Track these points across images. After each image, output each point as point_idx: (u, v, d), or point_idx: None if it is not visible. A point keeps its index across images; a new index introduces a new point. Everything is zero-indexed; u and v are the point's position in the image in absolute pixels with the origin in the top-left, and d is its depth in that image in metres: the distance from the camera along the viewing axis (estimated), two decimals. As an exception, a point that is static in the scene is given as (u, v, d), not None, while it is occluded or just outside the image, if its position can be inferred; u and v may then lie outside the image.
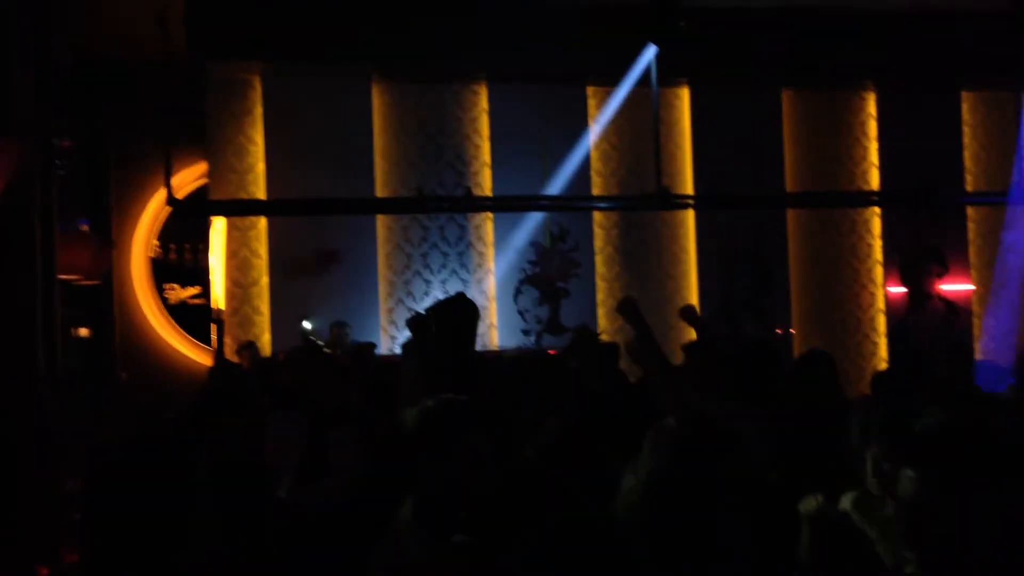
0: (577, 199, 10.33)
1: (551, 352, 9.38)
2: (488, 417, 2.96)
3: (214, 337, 10.05)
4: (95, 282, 10.02)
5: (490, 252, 10.37)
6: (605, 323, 10.50)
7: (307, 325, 9.32)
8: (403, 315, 10.09)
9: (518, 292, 10.43)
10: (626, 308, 4.66)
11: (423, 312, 4.93)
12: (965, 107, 11.29)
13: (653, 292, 10.61)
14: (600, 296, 10.62)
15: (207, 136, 9.80)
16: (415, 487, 2.81)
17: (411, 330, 4.79)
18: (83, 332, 10.38)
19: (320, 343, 8.62)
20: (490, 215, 10.34)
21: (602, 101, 10.28)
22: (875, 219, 11.10)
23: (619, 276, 10.69)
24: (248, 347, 8.92)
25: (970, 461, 2.18)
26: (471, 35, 9.41)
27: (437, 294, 10.04)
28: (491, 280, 10.28)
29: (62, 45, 7.69)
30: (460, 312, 4.81)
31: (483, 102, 10.29)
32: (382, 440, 4.28)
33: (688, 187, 10.66)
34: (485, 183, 10.30)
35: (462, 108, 10.26)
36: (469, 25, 9.37)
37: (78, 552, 5.08)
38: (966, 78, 10.82)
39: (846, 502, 3.20)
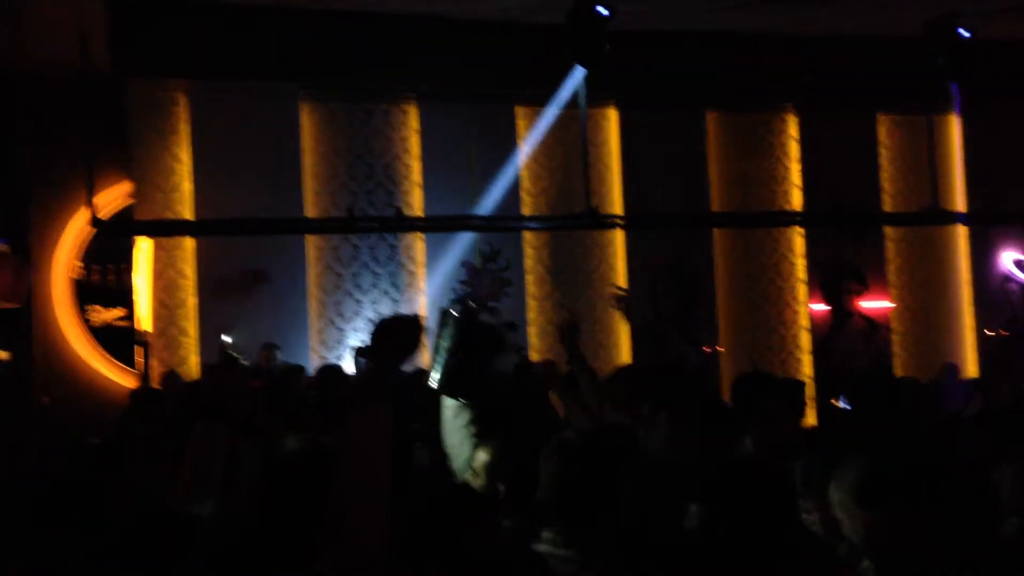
0: (507, 219, 10.40)
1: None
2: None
3: (140, 360, 9.87)
4: (15, 305, 9.78)
5: (421, 272, 10.36)
6: (536, 341, 10.58)
7: (226, 339, 9.24)
8: (333, 336, 10.03)
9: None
10: (567, 331, 4.71)
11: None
12: (881, 129, 11.63)
13: (583, 310, 10.71)
14: (531, 315, 10.68)
15: (131, 155, 9.64)
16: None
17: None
18: (2, 355, 10.11)
19: (237, 356, 8.55)
20: (421, 235, 10.34)
21: (531, 121, 10.36)
22: (797, 238, 11.35)
23: (549, 295, 10.76)
24: (171, 377, 8.75)
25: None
26: (400, 54, 9.43)
27: (368, 314, 10.00)
28: (422, 300, 10.26)
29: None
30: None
31: (413, 121, 10.30)
32: (283, 460, 4.24)
33: (617, 206, 10.79)
34: (415, 203, 10.30)
35: (392, 127, 10.25)
36: (398, 44, 9.39)
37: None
38: (882, 101, 11.15)
39: None
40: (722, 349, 11.13)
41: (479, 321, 5.10)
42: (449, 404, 4.09)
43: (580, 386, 4.68)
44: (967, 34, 9.88)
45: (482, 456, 3.95)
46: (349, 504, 2.52)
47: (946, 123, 11.33)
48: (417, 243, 10.39)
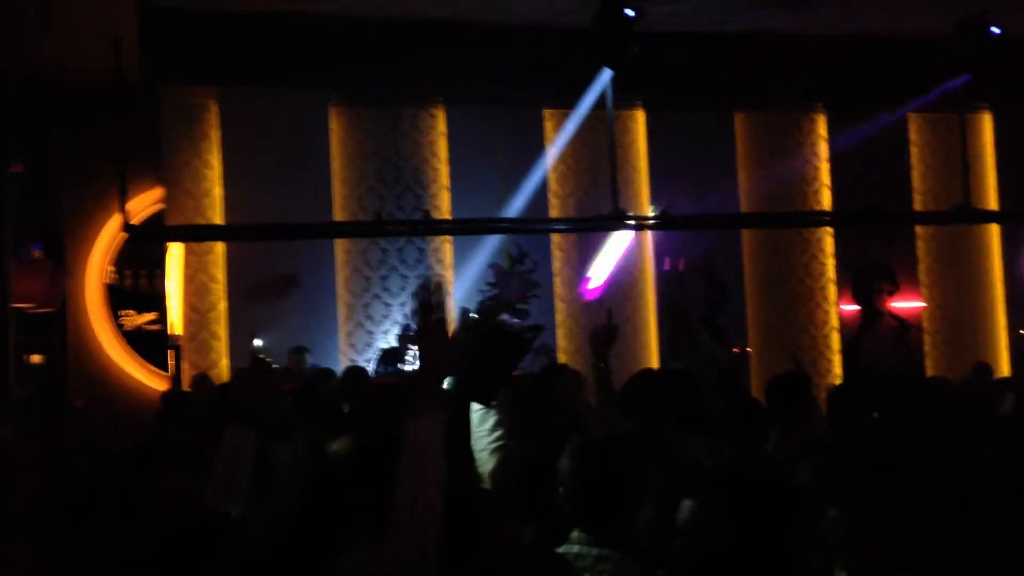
0: (535, 221, 10.41)
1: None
2: None
3: (171, 364, 9.97)
4: (50, 309, 9.90)
5: (449, 274, 10.40)
6: (564, 343, 10.58)
7: (257, 342, 9.30)
8: (362, 339, 10.09)
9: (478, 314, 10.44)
10: (601, 338, 4.72)
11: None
12: (912, 128, 11.53)
13: (611, 312, 10.68)
14: (559, 317, 10.68)
15: (163, 160, 9.75)
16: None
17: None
18: (36, 359, 10.24)
19: (269, 359, 8.58)
20: (449, 238, 10.38)
21: (559, 123, 10.36)
22: (827, 238, 11.28)
23: (577, 296, 10.75)
24: (202, 380, 8.82)
25: None
26: (427, 59, 9.46)
27: (397, 317, 10.05)
28: (451, 303, 10.29)
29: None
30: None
31: (441, 125, 10.34)
32: (318, 466, 4.27)
33: (645, 208, 10.77)
34: (443, 206, 10.34)
35: (420, 131, 10.30)
36: (425, 49, 9.42)
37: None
38: (912, 100, 11.04)
39: None
40: (751, 350, 11.08)
41: (500, 325, 5.01)
42: (475, 408, 4.11)
43: (599, 393, 4.72)
44: (998, 31, 9.77)
45: (496, 460, 3.96)
46: (407, 504, 2.58)
47: (977, 121, 11.22)
48: (445, 246, 10.42)
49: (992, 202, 11.49)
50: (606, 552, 2.78)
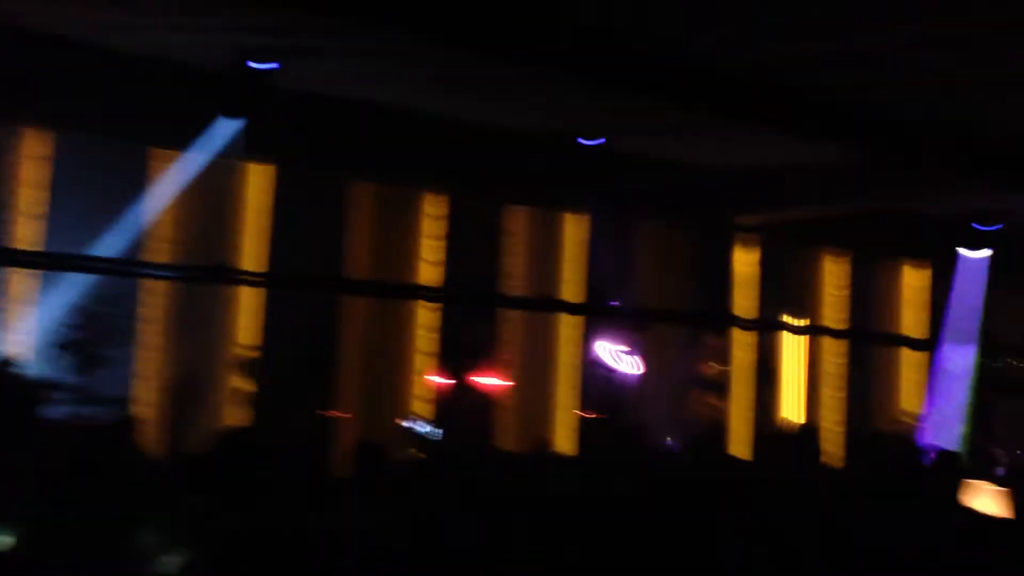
0: (133, 263, 9.79)
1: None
2: None
3: None
4: None
5: (25, 311, 9.38)
6: (144, 394, 9.96)
7: None
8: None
9: (54, 357, 9.58)
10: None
11: None
12: (515, 218, 12.31)
13: (205, 367, 10.31)
14: (142, 367, 10.04)
15: None
16: None
17: None
18: None
19: None
20: (32, 271, 9.40)
21: (175, 166, 9.80)
22: (427, 312, 11.67)
23: (168, 348, 10.22)
24: None
25: None
26: (31, 75, 8.61)
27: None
28: (24, 342, 9.30)
29: None
30: None
31: (41, 148, 9.40)
32: None
33: (257, 264, 10.50)
34: (31, 235, 9.37)
35: (14, 152, 9.30)
36: (29, 64, 8.57)
37: None
38: (516, 193, 11.88)
39: None
40: (345, 415, 11.18)
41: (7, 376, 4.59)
42: None
43: None
44: (590, 143, 10.89)
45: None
46: None
47: (571, 221, 12.33)
48: (24, 279, 9.42)
49: (576, 295, 12.50)
50: None
